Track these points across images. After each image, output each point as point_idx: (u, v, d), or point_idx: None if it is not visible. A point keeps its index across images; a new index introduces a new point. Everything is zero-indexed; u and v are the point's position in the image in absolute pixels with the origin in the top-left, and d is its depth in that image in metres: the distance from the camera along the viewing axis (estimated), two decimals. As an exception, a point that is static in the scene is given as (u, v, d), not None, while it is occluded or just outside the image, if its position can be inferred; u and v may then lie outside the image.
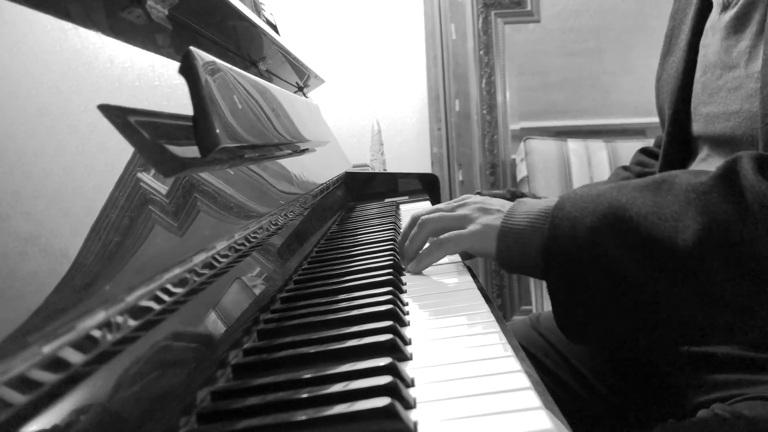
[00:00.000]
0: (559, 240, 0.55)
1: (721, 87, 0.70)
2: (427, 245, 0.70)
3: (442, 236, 0.68)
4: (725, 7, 0.72)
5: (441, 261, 0.76)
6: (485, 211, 0.67)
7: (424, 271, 0.71)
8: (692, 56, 0.78)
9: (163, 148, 0.47)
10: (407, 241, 0.72)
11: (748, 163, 0.51)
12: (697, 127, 0.76)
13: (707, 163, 0.75)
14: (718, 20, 0.73)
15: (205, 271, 0.44)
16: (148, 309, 0.34)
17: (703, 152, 0.77)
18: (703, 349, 0.72)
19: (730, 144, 0.70)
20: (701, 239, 0.49)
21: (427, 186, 1.40)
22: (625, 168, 1.04)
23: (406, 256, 0.72)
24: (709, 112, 0.73)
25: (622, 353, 0.83)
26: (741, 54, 0.68)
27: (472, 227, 0.65)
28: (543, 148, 2.07)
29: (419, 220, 0.72)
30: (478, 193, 0.99)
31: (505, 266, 0.64)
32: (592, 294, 0.54)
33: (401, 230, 1.01)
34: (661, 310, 0.52)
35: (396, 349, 0.43)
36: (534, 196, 0.98)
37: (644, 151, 1.05)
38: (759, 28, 0.65)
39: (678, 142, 0.81)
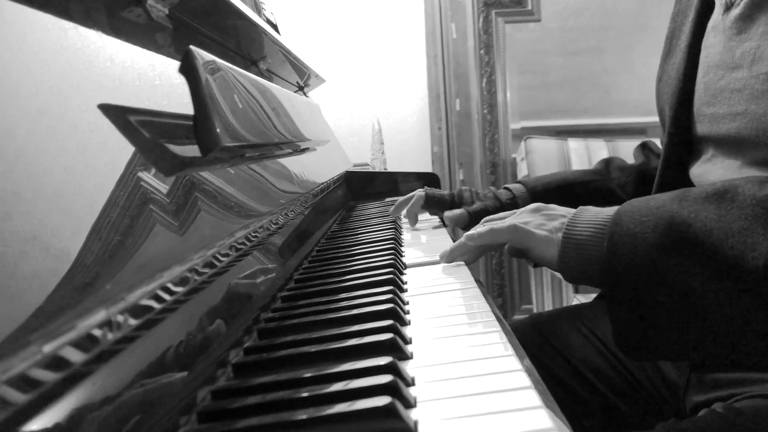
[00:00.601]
0: (620, 258, 0.54)
1: (724, 87, 0.70)
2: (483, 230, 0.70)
3: (508, 222, 0.68)
4: (728, 8, 0.71)
5: (441, 260, 0.76)
6: (549, 218, 0.66)
7: (425, 271, 0.71)
8: (693, 57, 0.78)
9: (164, 147, 0.47)
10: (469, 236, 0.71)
11: None
12: (701, 127, 0.76)
13: (712, 163, 0.74)
14: (721, 21, 0.73)
15: (206, 270, 0.44)
16: (149, 308, 0.34)
17: (708, 152, 0.76)
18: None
19: (736, 144, 0.70)
20: None
21: (427, 185, 1.40)
22: (606, 162, 1.05)
23: (468, 234, 0.72)
24: (713, 112, 0.73)
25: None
26: (745, 54, 0.67)
27: (538, 231, 0.65)
28: (543, 147, 2.07)
29: (484, 218, 0.75)
30: (476, 194, 1.02)
31: (565, 275, 0.63)
32: (654, 312, 0.52)
33: (405, 223, 1.04)
34: (726, 330, 0.50)
35: (396, 348, 0.43)
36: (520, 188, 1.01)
37: (644, 146, 1.06)
38: (765, 29, 0.65)
39: (679, 142, 0.81)
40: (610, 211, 0.60)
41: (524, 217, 0.69)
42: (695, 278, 0.50)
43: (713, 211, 0.52)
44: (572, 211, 0.65)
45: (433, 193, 1.07)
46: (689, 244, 0.51)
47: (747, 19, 0.67)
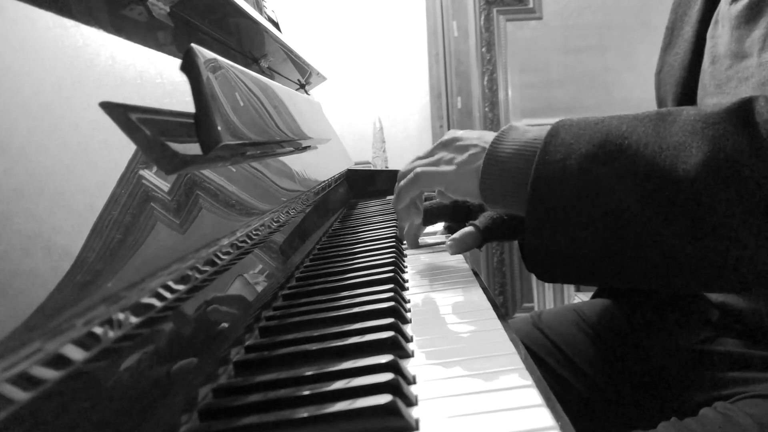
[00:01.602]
0: (549, 166, 0.52)
1: (731, 77, 0.70)
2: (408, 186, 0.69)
3: (417, 170, 0.66)
4: None
5: (443, 259, 0.76)
6: (460, 149, 0.64)
7: (426, 269, 0.71)
8: (698, 47, 0.78)
9: (165, 145, 0.47)
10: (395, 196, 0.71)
11: (764, 101, 0.48)
12: None
13: None
14: (728, 10, 0.72)
15: (207, 268, 0.44)
16: (150, 306, 0.34)
17: None
18: (706, 346, 0.72)
19: None
20: (706, 169, 0.46)
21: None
22: None
23: (393, 202, 0.72)
24: (717, 102, 0.72)
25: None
26: (754, 43, 0.67)
27: (444, 167, 0.63)
28: (545, 145, 2.07)
29: (400, 173, 0.71)
30: None
31: (487, 198, 0.60)
32: (578, 226, 0.50)
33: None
34: (653, 246, 0.49)
35: (398, 347, 0.43)
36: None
37: None
38: None
39: None
40: (540, 128, 0.57)
41: (437, 152, 0.67)
42: (624, 192, 0.48)
43: (652, 127, 0.50)
44: (487, 134, 0.63)
45: (429, 206, 0.91)
46: (622, 156, 0.49)
47: (756, 7, 0.67)
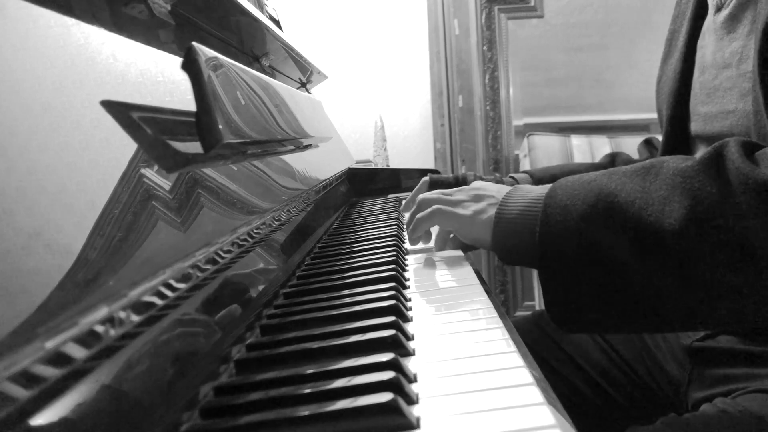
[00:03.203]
0: (551, 228, 0.55)
1: (717, 87, 0.71)
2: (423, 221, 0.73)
3: (435, 207, 0.70)
4: (719, 8, 0.73)
5: (444, 255, 0.76)
6: (478, 198, 0.68)
7: (427, 268, 0.71)
8: (690, 57, 0.79)
9: (166, 143, 0.47)
10: (408, 216, 0.77)
11: (734, 147, 0.51)
12: (696, 126, 0.77)
13: None
14: (712, 21, 0.74)
15: (208, 266, 0.44)
16: (151, 304, 0.35)
17: (701, 151, 0.77)
18: (705, 343, 0.72)
19: None
20: (687, 222, 0.49)
21: (429, 182, 1.40)
22: (611, 156, 1.05)
23: (407, 229, 0.77)
24: (707, 111, 0.74)
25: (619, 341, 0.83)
26: (734, 54, 0.68)
27: (461, 211, 0.67)
28: (546, 143, 2.07)
29: (418, 198, 0.75)
30: (480, 179, 1.01)
31: (501, 256, 0.64)
32: (583, 282, 0.53)
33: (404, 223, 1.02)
34: (651, 297, 0.51)
35: (399, 345, 0.43)
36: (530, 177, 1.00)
37: (648, 142, 1.06)
38: (750, 29, 0.66)
39: (676, 142, 0.81)
40: (543, 188, 0.61)
41: (457, 195, 0.71)
42: (619, 248, 0.51)
43: (638, 183, 0.53)
44: (504, 189, 0.67)
45: (437, 179, 1.07)
46: (614, 214, 0.52)
47: (734, 19, 0.69)
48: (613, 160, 1.04)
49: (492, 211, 0.64)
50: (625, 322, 0.55)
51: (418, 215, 0.73)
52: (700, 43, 0.78)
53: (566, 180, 0.59)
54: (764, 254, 0.47)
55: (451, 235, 0.76)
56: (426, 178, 1.07)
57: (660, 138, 1.03)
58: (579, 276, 0.53)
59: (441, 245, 0.78)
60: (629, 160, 1.03)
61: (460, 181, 1.06)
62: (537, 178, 1.02)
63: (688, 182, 0.50)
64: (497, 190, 0.68)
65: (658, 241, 0.50)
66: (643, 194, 0.52)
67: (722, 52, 0.70)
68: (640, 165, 0.56)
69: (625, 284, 0.52)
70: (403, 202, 1.10)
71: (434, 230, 0.94)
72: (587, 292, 0.53)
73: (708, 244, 0.48)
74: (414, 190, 1.09)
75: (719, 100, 0.71)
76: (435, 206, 0.70)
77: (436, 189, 1.01)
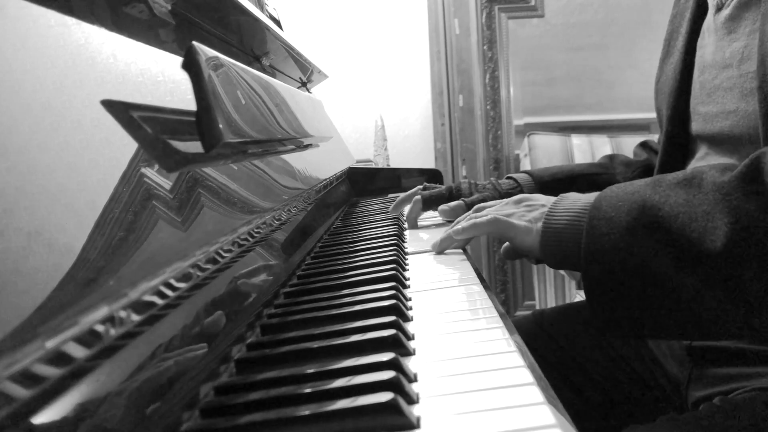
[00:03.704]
0: (596, 240, 0.56)
1: (718, 86, 0.71)
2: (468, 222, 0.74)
3: (491, 216, 0.71)
4: (719, 8, 0.73)
5: (445, 257, 0.76)
6: (530, 208, 0.69)
7: (428, 267, 0.71)
8: (689, 57, 0.79)
9: (167, 143, 0.47)
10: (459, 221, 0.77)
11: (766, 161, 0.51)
12: (696, 126, 0.77)
13: (705, 162, 0.75)
14: (713, 21, 0.74)
15: (209, 266, 0.44)
16: (152, 304, 0.35)
17: (702, 151, 0.77)
18: (705, 343, 0.72)
19: (729, 142, 0.70)
20: (729, 241, 0.49)
21: (430, 181, 1.39)
22: (610, 157, 1.05)
23: (453, 227, 0.76)
24: (707, 111, 0.74)
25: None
26: (734, 54, 0.68)
27: (516, 221, 0.68)
28: (547, 143, 2.07)
29: (475, 206, 0.77)
30: (475, 185, 1.01)
31: (548, 262, 0.66)
32: (626, 293, 0.54)
33: (406, 224, 1.02)
34: (694, 310, 0.52)
35: (399, 344, 0.43)
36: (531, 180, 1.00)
37: (644, 144, 1.06)
38: (751, 29, 0.66)
39: (676, 141, 0.81)
40: (588, 197, 0.62)
41: (507, 209, 0.71)
42: (662, 261, 0.52)
43: (682, 195, 0.54)
44: (552, 200, 0.67)
45: (429, 195, 1.02)
46: (658, 227, 0.53)
47: (735, 19, 0.69)
48: (612, 160, 1.04)
49: (541, 223, 0.65)
50: (667, 332, 0.56)
51: (477, 221, 0.72)
52: (699, 42, 0.78)
53: (611, 190, 0.60)
54: None
55: (459, 236, 0.76)
56: (417, 197, 1.02)
57: (656, 139, 1.04)
58: (622, 287, 0.54)
59: (450, 214, 0.82)
60: (627, 162, 1.03)
61: (453, 192, 1.03)
62: (537, 178, 1.01)
63: (727, 198, 0.51)
64: (546, 200, 0.69)
65: (701, 258, 0.50)
66: (687, 208, 0.53)
67: (722, 52, 0.71)
68: (682, 176, 0.56)
69: (668, 297, 0.52)
70: (394, 203, 1.09)
71: (435, 233, 0.93)
72: (630, 303, 0.54)
73: (750, 261, 0.49)
74: (405, 195, 1.08)
75: (720, 100, 0.71)
76: (492, 215, 0.70)
77: (430, 206, 1.02)
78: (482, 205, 0.77)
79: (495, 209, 0.73)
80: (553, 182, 1.00)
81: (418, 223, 1.04)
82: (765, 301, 0.49)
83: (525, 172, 1.04)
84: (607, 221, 0.56)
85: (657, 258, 0.52)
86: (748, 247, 0.49)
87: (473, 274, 0.65)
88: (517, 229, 0.67)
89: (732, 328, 0.53)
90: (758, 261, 0.49)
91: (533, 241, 0.65)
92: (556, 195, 0.69)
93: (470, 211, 0.77)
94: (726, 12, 0.70)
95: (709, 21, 0.76)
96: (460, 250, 0.78)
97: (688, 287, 0.51)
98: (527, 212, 0.69)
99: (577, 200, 0.64)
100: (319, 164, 1.06)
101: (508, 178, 1.03)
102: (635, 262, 0.53)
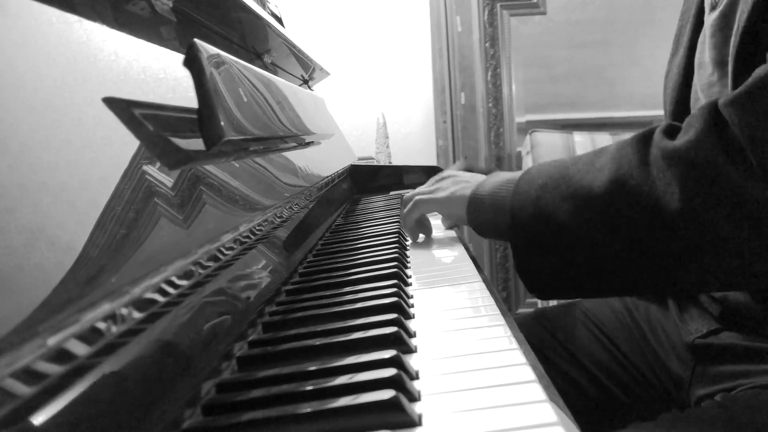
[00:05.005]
0: (517, 197, 0.62)
1: (713, 83, 0.72)
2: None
3: (415, 198, 0.80)
4: (713, 7, 0.73)
5: (446, 255, 0.76)
6: (455, 182, 0.77)
7: (429, 265, 0.71)
8: (692, 55, 0.80)
9: (168, 140, 0.47)
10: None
11: (661, 127, 0.58)
12: None
13: None
14: (708, 19, 0.74)
15: (210, 263, 0.44)
16: (153, 301, 0.35)
17: None
18: (707, 340, 0.72)
19: None
20: (610, 184, 0.55)
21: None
22: None
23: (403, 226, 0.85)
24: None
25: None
26: (729, 50, 0.69)
27: (440, 194, 0.76)
28: (549, 140, 2.06)
29: (402, 198, 0.85)
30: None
31: (477, 230, 0.72)
32: (542, 247, 0.60)
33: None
34: (594, 258, 0.57)
35: (401, 342, 0.43)
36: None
37: None
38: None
39: None
40: (518, 172, 0.68)
41: (430, 187, 0.80)
42: (566, 210, 0.58)
43: (590, 157, 0.61)
44: (478, 177, 0.75)
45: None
46: (563, 182, 0.59)
47: (727, 17, 0.69)
48: None
49: (468, 191, 0.72)
50: (582, 285, 0.61)
51: (404, 212, 0.82)
52: (699, 39, 0.79)
53: (541, 163, 0.66)
54: (666, 213, 0.52)
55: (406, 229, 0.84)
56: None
57: None
58: (538, 242, 0.60)
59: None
60: None
61: None
62: None
63: (619, 152, 0.58)
64: (470, 176, 0.77)
65: (591, 201, 0.56)
66: (588, 165, 0.59)
67: (717, 49, 0.71)
68: (599, 149, 0.62)
69: (572, 247, 0.58)
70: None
71: (436, 233, 0.93)
72: (547, 258, 0.60)
73: (628, 204, 0.54)
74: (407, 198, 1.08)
75: (715, 96, 0.71)
76: (415, 198, 0.80)
77: None
78: (409, 194, 0.83)
79: (417, 191, 0.82)
80: None
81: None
82: (642, 245, 0.54)
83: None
84: (528, 182, 0.63)
85: (560, 207, 0.58)
86: (625, 190, 0.54)
87: (475, 272, 0.65)
88: (440, 201, 0.75)
89: (643, 277, 0.57)
90: (633, 207, 0.54)
91: (457, 209, 0.73)
92: None
93: (402, 204, 0.85)
94: (719, 10, 0.71)
95: (706, 19, 0.76)
96: (462, 248, 0.78)
97: (583, 234, 0.57)
98: (451, 186, 0.76)
99: (505, 174, 0.71)
100: (321, 162, 1.06)
101: None
102: (544, 213, 0.59)
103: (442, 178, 0.80)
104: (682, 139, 0.54)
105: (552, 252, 0.59)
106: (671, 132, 0.57)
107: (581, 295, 0.65)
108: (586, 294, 0.65)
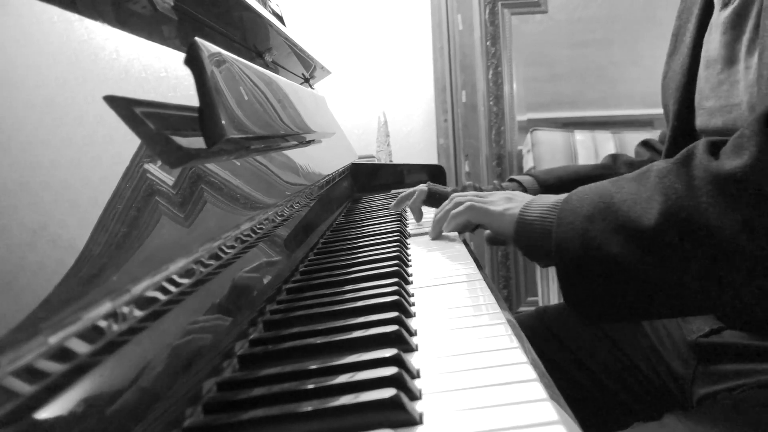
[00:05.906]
0: (562, 228, 0.61)
1: (722, 81, 0.72)
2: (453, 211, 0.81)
3: (469, 203, 0.78)
4: (725, 4, 0.73)
5: (447, 253, 0.76)
6: (509, 200, 0.76)
7: (430, 263, 0.71)
8: (697, 53, 0.79)
9: (169, 139, 0.47)
10: (439, 213, 0.85)
11: (702, 145, 0.56)
12: (700, 121, 0.77)
13: None
14: (718, 16, 0.74)
15: (212, 262, 0.44)
16: (155, 300, 0.35)
17: None
18: (709, 339, 0.72)
19: (731, 135, 0.70)
20: (660, 217, 0.54)
21: (433, 177, 1.39)
22: (613, 157, 1.05)
23: (435, 223, 0.86)
24: (711, 106, 0.74)
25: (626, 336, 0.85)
26: (741, 48, 0.69)
27: (494, 208, 0.74)
28: (550, 139, 2.06)
29: (453, 196, 0.83)
30: (480, 189, 1.03)
31: (523, 252, 0.71)
32: (592, 276, 0.59)
33: (410, 220, 1.02)
34: (647, 287, 0.56)
35: (402, 340, 0.43)
36: (532, 177, 1.02)
37: (645, 143, 1.06)
38: (756, 22, 0.66)
39: (682, 137, 0.81)
40: (561, 196, 0.68)
41: (487, 197, 0.79)
42: (613, 242, 0.57)
43: (633, 186, 0.60)
44: (527, 197, 0.75)
45: (435, 189, 1.04)
46: (609, 212, 0.59)
47: (740, 14, 0.69)
48: (615, 160, 1.04)
49: (518, 211, 0.71)
50: (633, 311, 0.60)
51: (453, 210, 0.80)
52: (705, 38, 0.78)
53: (582, 187, 0.65)
54: (722, 240, 0.51)
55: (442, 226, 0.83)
56: (423, 188, 1.03)
57: (657, 138, 1.04)
58: (587, 272, 0.59)
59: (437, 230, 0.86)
60: (630, 162, 1.03)
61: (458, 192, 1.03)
62: (542, 180, 1.01)
63: (662, 181, 0.56)
64: (524, 197, 0.76)
65: (641, 235, 0.55)
66: (634, 195, 0.58)
67: (728, 46, 0.71)
68: (639, 170, 0.62)
69: (623, 277, 0.57)
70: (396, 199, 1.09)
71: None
72: (596, 285, 0.59)
73: (679, 235, 0.53)
74: (407, 192, 1.07)
75: (724, 94, 0.71)
76: (469, 202, 0.78)
77: (432, 202, 1.04)
78: (459, 194, 0.84)
79: (470, 194, 0.81)
80: (557, 184, 1.00)
81: (423, 219, 1.04)
82: (709, 271, 0.53)
83: (528, 174, 1.04)
84: (572, 212, 0.62)
85: (610, 240, 0.57)
86: (676, 223, 0.53)
87: (476, 271, 0.65)
88: (493, 214, 0.74)
89: (696, 302, 0.56)
90: (686, 237, 0.53)
91: (505, 227, 0.71)
92: None
93: (447, 201, 0.84)
94: (731, 7, 0.71)
95: (715, 16, 0.76)
96: (463, 247, 0.78)
97: (636, 266, 0.56)
98: (504, 203, 0.75)
99: (550, 198, 0.69)
100: (322, 160, 1.06)
101: (511, 180, 1.03)
102: (593, 246, 0.58)
103: (493, 193, 0.80)
104: (735, 162, 0.52)
105: (602, 284, 0.58)
106: (713, 150, 0.55)
107: (631, 319, 0.66)
108: (635, 318, 0.66)
